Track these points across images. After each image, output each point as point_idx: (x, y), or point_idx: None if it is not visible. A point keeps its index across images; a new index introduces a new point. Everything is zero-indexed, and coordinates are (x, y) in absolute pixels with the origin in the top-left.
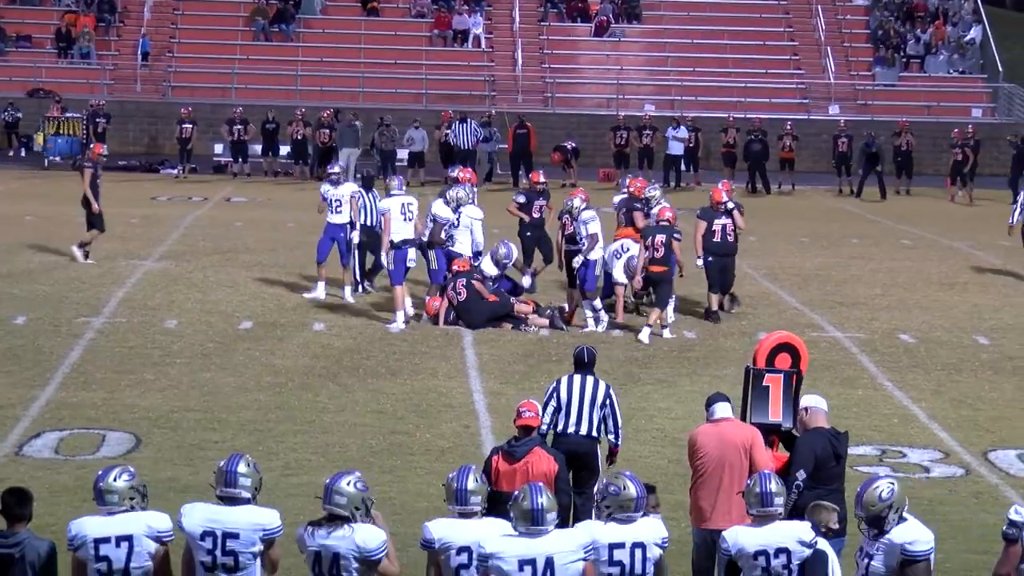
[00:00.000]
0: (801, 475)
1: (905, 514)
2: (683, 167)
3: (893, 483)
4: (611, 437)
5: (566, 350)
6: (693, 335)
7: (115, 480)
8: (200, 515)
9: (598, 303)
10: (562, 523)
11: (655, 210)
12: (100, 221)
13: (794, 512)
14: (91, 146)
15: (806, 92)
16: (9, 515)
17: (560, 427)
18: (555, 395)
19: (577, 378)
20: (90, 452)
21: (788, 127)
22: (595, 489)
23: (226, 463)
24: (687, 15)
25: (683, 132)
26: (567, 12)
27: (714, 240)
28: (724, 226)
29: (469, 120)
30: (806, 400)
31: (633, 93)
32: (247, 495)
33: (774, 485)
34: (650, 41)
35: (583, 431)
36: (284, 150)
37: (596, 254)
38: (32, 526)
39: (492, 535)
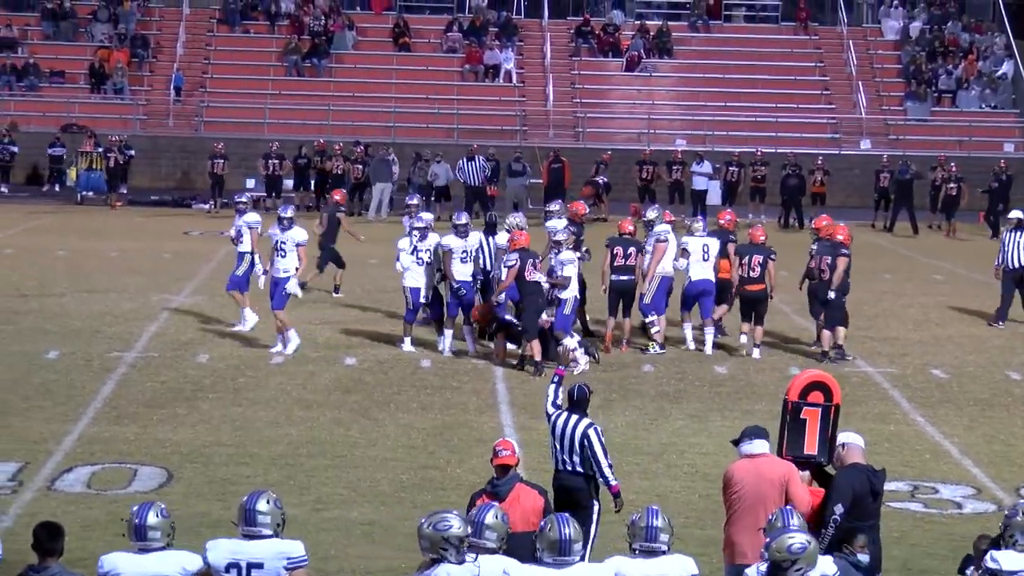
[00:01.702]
0: (839, 509)
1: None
2: (719, 201)
3: (811, 542)
4: (600, 479)
5: (597, 385)
6: (724, 370)
7: (157, 516)
8: (224, 549)
9: (571, 342)
10: None
11: (689, 238)
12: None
13: (831, 547)
14: (334, 194)
15: (837, 127)
16: (41, 549)
17: (554, 463)
18: (552, 431)
19: (563, 416)
20: (122, 487)
21: (819, 162)
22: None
23: (247, 500)
24: (718, 50)
25: (707, 167)
26: (598, 47)
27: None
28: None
29: (477, 157)
30: (843, 437)
31: (664, 128)
32: (268, 532)
33: (796, 520)
34: (681, 76)
35: (570, 468)
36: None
37: (569, 293)
38: (64, 560)
39: (514, 566)
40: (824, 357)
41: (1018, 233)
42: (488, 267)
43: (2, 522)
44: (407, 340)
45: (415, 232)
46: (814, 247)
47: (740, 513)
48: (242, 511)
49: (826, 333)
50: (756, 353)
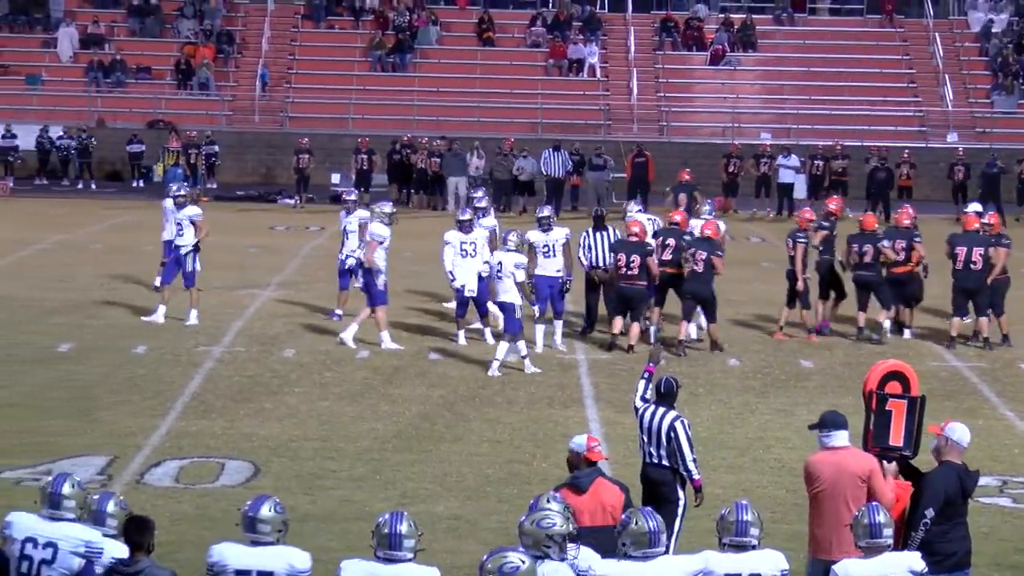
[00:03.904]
0: (930, 513)
1: None
2: (804, 195)
3: (524, 562)
4: (684, 472)
5: (683, 380)
6: (810, 364)
7: (269, 511)
8: (359, 571)
9: (522, 346)
10: None
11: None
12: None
13: (922, 548)
14: (682, 174)
15: (923, 120)
16: (130, 543)
17: (641, 456)
18: (639, 424)
19: (651, 409)
20: (210, 480)
21: (906, 155)
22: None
23: (389, 525)
24: (803, 43)
25: (794, 160)
26: (682, 41)
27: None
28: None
29: (562, 149)
30: (950, 430)
31: (748, 122)
32: (409, 556)
33: (882, 516)
34: (765, 69)
35: (656, 461)
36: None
37: (514, 298)
38: (154, 555)
39: (596, 559)
40: (988, 344)
41: None
42: (601, 262)
43: None
44: (460, 335)
45: (460, 224)
46: (956, 239)
47: (821, 507)
48: (384, 537)
49: (983, 320)
50: (907, 333)
